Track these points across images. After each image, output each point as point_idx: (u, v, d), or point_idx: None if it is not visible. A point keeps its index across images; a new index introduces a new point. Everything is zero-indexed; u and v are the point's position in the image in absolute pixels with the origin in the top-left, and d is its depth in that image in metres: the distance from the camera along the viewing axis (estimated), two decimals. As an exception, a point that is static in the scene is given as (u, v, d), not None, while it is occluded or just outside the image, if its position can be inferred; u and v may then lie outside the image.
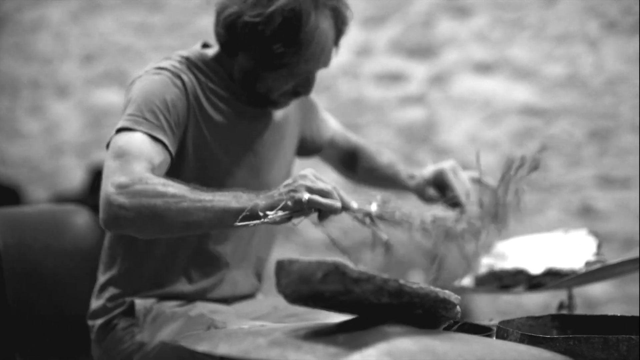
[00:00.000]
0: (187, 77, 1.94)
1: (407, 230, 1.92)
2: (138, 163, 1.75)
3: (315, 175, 1.73)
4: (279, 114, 2.10)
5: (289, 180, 1.73)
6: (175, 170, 1.88)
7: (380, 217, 1.87)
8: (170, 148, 1.85)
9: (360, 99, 4.89)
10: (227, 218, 1.68)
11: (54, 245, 2.23)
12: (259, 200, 1.70)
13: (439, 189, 2.24)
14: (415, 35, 4.79)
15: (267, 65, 1.91)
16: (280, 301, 2.05)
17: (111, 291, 2.02)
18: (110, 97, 5.80)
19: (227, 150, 1.99)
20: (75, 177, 5.89)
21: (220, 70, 2.00)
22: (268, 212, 1.67)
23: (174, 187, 1.70)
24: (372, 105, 4.88)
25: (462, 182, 2.22)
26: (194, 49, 2.03)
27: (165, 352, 1.90)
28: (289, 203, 1.68)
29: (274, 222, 1.68)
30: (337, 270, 1.26)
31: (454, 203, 2.16)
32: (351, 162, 2.39)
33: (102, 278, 2.05)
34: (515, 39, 4.52)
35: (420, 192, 2.29)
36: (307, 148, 2.28)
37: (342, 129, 2.38)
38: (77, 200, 4.83)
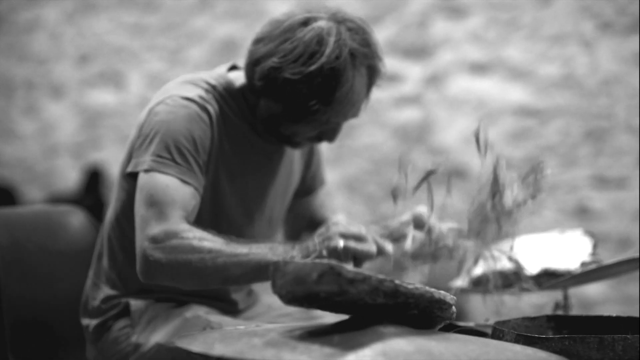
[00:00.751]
0: (213, 109, 1.90)
1: (446, 261, 1.87)
2: (172, 212, 1.75)
3: (348, 221, 1.72)
4: (290, 150, 2.09)
5: (322, 229, 1.72)
6: None
7: (417, 255, 1.81)
8: (201, 190, 1.84)
9: (356, 99, 4.89)
10: (263, 272, 1.67)
11: (49, 246, 2.22)
12: (295, 252, 1.69)
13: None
14: (410, 35, 4.79)
15: (297, 117, 1.88)
16: (275, 301, 2.06)
17: (106, 292, 2.01)
18: (105, 97, 5.80)
19: (236, 184, 1.97)
20: (70, 178, 5.89)
21: (243, 103, 1.96)
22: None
23: (209, 242, 1.71)
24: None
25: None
26: (220, 75, 1.98)
27: (161, 353, 1.89)
28: (324, 252, 1.67)
29: None
30: (332, 271, 1.26)
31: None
32: (302, 226, 2.27)
33: (96, 278, 2.04)
34: (510, 40, 4.53)
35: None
36: (298, 191, 2.23)
37: (326, 195, 2.31)
38: (72, 200, 4.83)
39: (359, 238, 1.69)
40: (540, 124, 4.45)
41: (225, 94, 1.95)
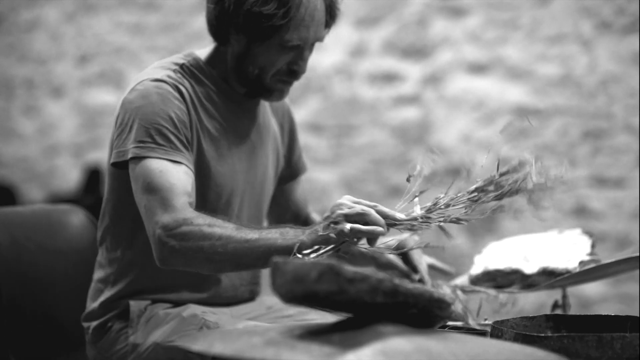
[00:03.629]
0: (184, 87, 1.93)
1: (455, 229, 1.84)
2: (175, 197, 1.77)
3: (352, 200, 1.71)
4: (267, 122, 2.10)
5: (326, 213, 1.72)
6: None
7: (428, 219, 1.78)
8: (190, 165, 1.85)
9: (355, 99, 4.89)
10: (273, 257, 1.68)
11: (49, 245, 2.22)
12: (305, 236, 1.69)
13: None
14: (409, 35, 4.79)
15: (257, 35, 1.88)
16: (275, 301, 2.06)
17: (106, 294, 2.01)
18: (105, 97, 5.80)
19: (221, 156, 1.98)
20: (70, 177, 5.89)
21: (212, 73, 1.99)
22: (312, 254, 1.66)
23: (219, 228, 1.72)
24: (366, 105, 4.88)
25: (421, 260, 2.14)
26: (187, 54, 2.02)
27: (158, 353, 1.90)
28: (333, 235, 1.67)
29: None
30: (331, 271, 1.27)
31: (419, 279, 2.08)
32: (285, 218, 2.27)
33: (98, 281, 2.04)
34: (509, 39, 4.53)
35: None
36: (282, 175, 2.23)
37: (304, 195, 2.31)
38: (72, 200, 4.83)
39: (363, 216, 1.68)
40: (539, 123, 4.45)
41: (194, 71, 1.98)
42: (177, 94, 1.90)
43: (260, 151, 2.07)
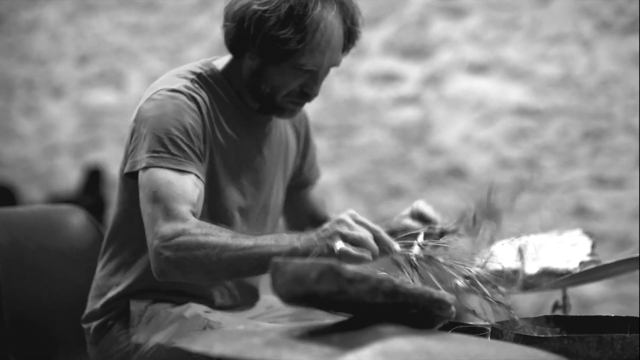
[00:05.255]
0: (200, 97, 1.93)
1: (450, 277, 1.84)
2: (178, 207, 1.77)
3: (355, 219, 1.71)
4: (280, 134, 2.10)
5: (326, 225, 1.72)
6: None
7: (423, 260, 1.75)
8: (202, 176, 1.86)
9: (355, 99, 4.90)
10: (268, 264, 1.68)
11: (49, 246, 2.22)
12: (299, 243, 1.70)
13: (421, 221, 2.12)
14: (409, 35, 4.79)
15: (272, 57, 1.89)
16: (275, 301, 2.06)
17: (108, 295, 2.01)
18: (105, 97, 5.80)
19: (230, 170, 1.98)
20: (70, 178, 5.89)
21: (227, 85, 1.98)
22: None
23: (215, 237, 1.72)
24: (366, 105, 4.88)
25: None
26: (204, 63, 2.02)
27: (161, 353, 1.90)
28: (325, 250, 1.68)
29: None
30: (331, 271, 1.27)
31: (442, 231, 2.08)
32: (304, 221, 2.27)
33: (101, 282, 2.04)
34: (509, 40, 4.53)
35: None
36: (296, 183, 2.24)
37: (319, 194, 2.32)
38: (72, 200, 4.83)
39: (358, 242, 1.69)
40: (539, 124, 4.45)
41: (210, 81, 1.97)
42: (193, 105, 1.90)
43: (270, 167, 2.07)
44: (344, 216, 1.71)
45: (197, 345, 1.29)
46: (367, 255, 1.69)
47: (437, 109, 4.72)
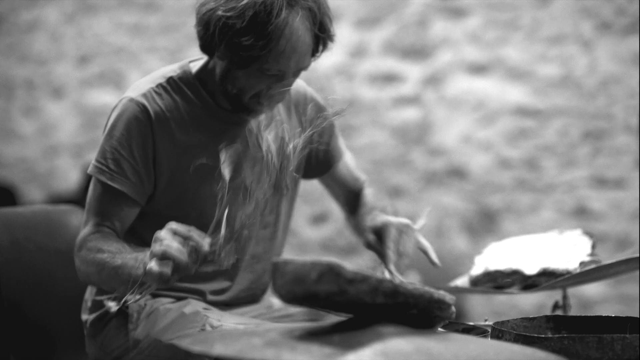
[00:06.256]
0: (159, 106, 1.97)
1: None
2: (96, 219, 1.93)
3: (172, 229, 1.68)
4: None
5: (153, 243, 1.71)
6: (154, 200, 1.98)
7: (216, 259, 1.72)
8: (134, 195, 1.94)
9: (355, 99, 4.90)
10: (134, 282, 1.73)
11: (49, 246, 2.23)
12: (139, 263, 1.73)
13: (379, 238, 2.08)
14: (409, 36, 4.79)
15: (238, 61, 1.89)
16: (275, 300, 2.06)
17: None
18: (105, 97, 5.80)
19: (202, 170, 1.97)
20: (70, 178, 5.89)
21: (198, 88, 2.00)
22: (129, 297, 1.72)
23: (101, 253, 1.85)
24: (366, 105, 4.88)
25: (403, 243, 2.12)
26: (180, 65, 2.05)
27: (159, 349, 1.90)
28: (144, 272, 1.68)
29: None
30: (331, 271, 1.27)
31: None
32: (343, 195, 2.31)
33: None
34: (509, 40, 4.53)
35: (360, 229, 2.18)
36: (312, 168, 2.22)
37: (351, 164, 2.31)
38: (72, 200, 4.83)
39: (163, 257, 1.65)
40: (539, 124, 4.45)
41: (181, 85, 2.01)
42: (143, 117, 1.97)
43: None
44: (158, 232, 1.69)
45: (197, 346, 1.29)
46: (165, 269, 1.64)
47: (437, 109, 4.72)
